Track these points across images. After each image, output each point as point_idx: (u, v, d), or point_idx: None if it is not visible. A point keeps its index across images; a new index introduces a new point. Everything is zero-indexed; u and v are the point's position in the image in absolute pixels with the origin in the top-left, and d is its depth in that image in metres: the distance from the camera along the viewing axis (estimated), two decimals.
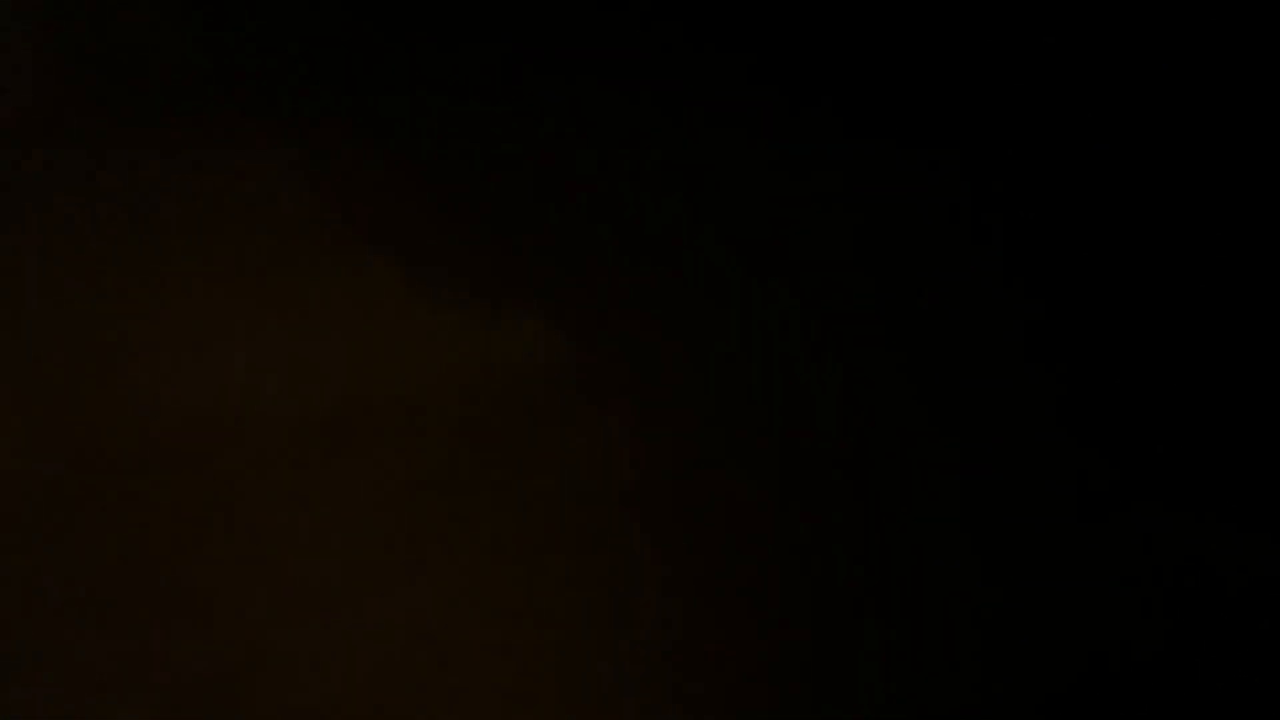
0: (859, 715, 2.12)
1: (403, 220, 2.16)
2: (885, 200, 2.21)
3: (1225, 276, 2.23)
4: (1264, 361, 2.21)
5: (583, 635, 2.12)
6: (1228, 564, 2.17)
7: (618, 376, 2.16)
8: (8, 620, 2.05)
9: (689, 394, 2.16)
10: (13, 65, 2.15)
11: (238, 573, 2.08)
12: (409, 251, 2.16)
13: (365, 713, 2.08)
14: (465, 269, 2.16)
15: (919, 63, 2.23)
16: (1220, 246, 2.23)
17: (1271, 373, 2.21)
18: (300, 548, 2.09)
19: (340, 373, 2.13)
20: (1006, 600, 2.16)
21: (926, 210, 2.21)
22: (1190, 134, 2.24)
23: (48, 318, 2.11)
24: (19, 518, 2.07)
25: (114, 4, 2.16)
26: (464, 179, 2.17)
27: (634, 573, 2.13)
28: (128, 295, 2.12)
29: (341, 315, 2.14)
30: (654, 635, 2.13)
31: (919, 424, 2.18)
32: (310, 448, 2.11)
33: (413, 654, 2.09)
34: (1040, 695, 2.14)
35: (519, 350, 2.15)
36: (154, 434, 2.09)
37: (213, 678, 2.07)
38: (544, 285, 2.17)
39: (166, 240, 2.13)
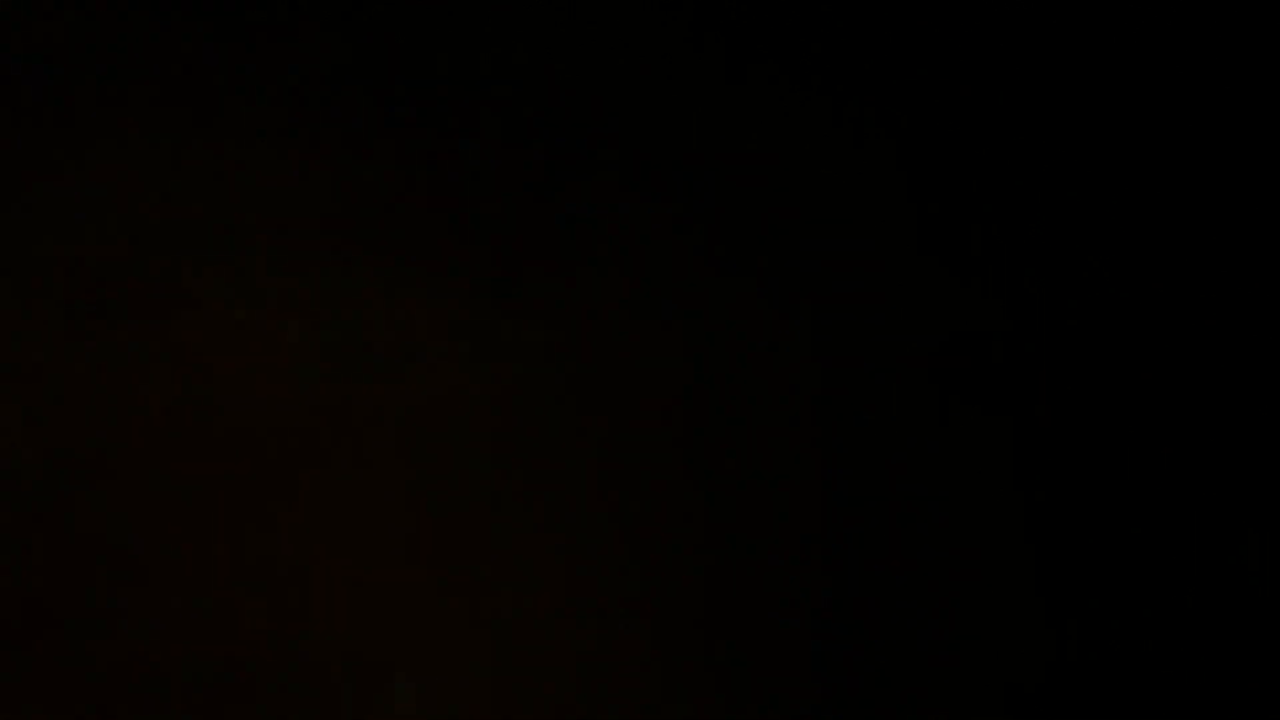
0: (855, 712, 2.13)
1: (407, 223, 2.17)
2: (883, 203, 2.21)
3: (1222, 279, 2.23)
4: (1264, 361, 2.22)
5: (582, 632, 2.12)
6: (1226, 564, 2.18)
7: (618, 377, 2.16)
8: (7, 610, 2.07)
9: (688, 395, 2.17)
10: (28, 57, 2.15)
11: (238, 570, 2.09)
12: (412, 253, 2.16)
13: (364, 706, 2.09)
14: (468, 271, 2.16)
15: (916, 64, 2.23)
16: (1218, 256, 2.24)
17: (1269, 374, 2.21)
18: (299, 543, 2.10)
19: (343, 371, 2.13)
20: (1004, 599, 2.17)
21: (925, 214, 2.22)
22: (1191, 142, 2.25)
23: (58, 313, 2.12)
24: (21, 505, 2.08)
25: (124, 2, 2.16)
26: (468, 183, 2.17)
27: (633, 570, 2.14)
28: (138, 289, 2.12)
29: (345, 315, 2.14)
30: (653, 632, 2.13)
31: (918, 425, 2.18)
32: (313, 444, 2.12)
33: (412, 650, 2.10)
34: (1036, 693, 2.15)
35: (521, 351, 2.15)
36: (159, 430, 2.10)
37: (210, 674, 2.08)
38: (546, 286, 2.17)
39: (177, 238, 2.14)
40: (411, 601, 2.11)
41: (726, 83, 2.20)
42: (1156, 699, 2.15)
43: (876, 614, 2.14)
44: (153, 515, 2.09)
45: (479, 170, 2.16)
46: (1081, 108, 2.23)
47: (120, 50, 2.14)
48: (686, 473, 2.16)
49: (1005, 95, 2.22)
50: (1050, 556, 2.17)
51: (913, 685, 2.14)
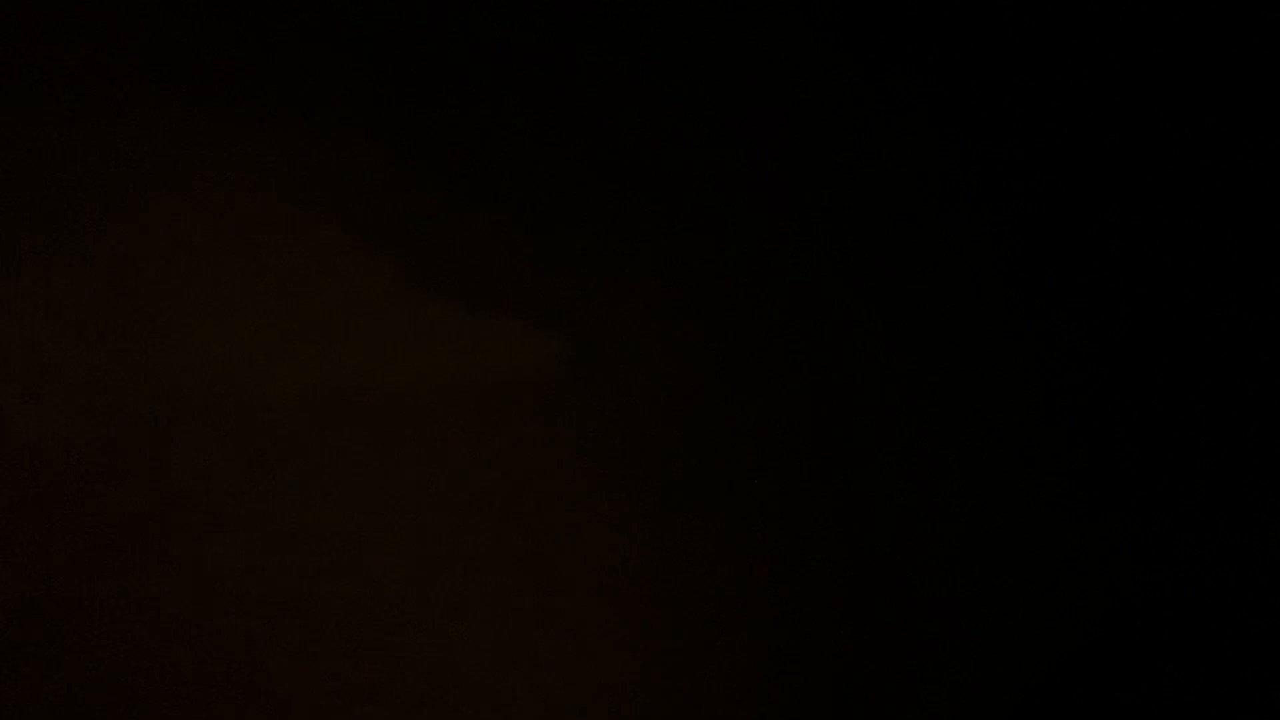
0: (851, 711, 2.13)
1: (407, 221, 2.17)
2: (877, 204, 2.21)
3: (1219, 286, 2.23)
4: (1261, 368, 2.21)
5: (577, 629, 2.12)
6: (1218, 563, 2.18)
7: (614, 377, 2.16)
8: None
9: (683, 395, 2.17)
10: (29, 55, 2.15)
11: (238, 569, 2.09)
12: (412, 251, 2.16)
13: (366, 702, 2.09)
14: (466, 271, 2.17)
15: (914, 69, 2.23)
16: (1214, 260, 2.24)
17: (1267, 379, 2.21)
18: (295, 542, 2.10)
19: (342, 369, 2.13)
20: (998, 598, 2.17)
21: (921, 219, 2.21)
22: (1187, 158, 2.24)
23: (69, 303, 2.12)
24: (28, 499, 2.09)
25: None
26: (468, 182, 2.17)
27: (629, 566, 2.14)
28: (142, 285, 2.13)
29: (345, 313, 2.15)
30: (647, 627, 2.13)
31: (913, 427, 2.18)
32: (312, 441, 2.12)
33: (408, 649, 2.10)
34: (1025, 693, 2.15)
35: (517, 350, 2.16)
36: (160, 418, 2.10)
37: (212, 673, 2.08)
38: (542, 287, 2.17)
39: (179, 236, 2.14)
40: (410, 597, 2.11)
41: (728, 85, 2.20)
42: (1156, 699, 2.15)
43: (897, 613, 2.14)
44: (154, 506, 2.09)
45: (482, 170, 2.17)
46: (1081, 108, 2.23)
47: (120, 50, 2.15)
48: (685, 475, 2.16)
49: (1008, 95, 2.22)
50: (1052, 557, 2.17)
51: (924, 686, 2.14)
